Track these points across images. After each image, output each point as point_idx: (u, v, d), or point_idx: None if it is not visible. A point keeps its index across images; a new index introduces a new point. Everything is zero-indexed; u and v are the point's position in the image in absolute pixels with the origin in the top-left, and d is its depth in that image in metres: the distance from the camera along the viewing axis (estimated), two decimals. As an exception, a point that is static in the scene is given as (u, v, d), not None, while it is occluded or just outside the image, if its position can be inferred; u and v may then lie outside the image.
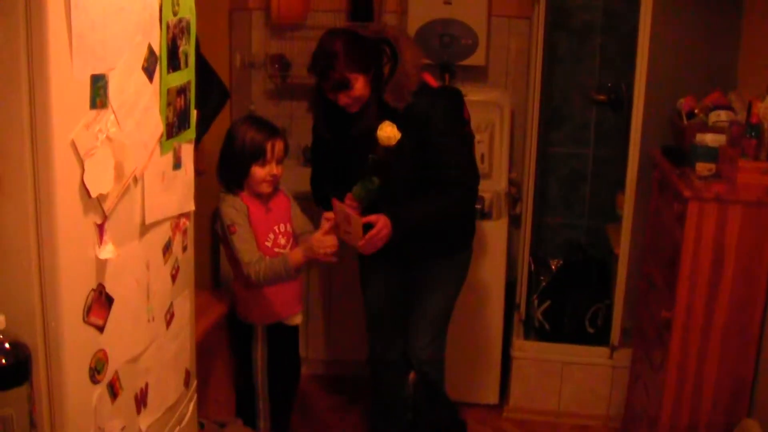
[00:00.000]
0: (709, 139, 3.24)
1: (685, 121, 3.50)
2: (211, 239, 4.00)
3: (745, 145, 3.02)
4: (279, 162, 3.25)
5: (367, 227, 3.06)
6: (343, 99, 3.09)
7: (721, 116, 3.34)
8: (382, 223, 3.06)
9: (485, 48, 4.32)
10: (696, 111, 3.48)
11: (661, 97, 3.78)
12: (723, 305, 3.06)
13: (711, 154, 3.21)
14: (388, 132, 3.08)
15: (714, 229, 3.01)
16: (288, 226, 3.40)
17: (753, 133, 2.98)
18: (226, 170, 3.28)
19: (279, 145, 3.24)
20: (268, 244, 3.30)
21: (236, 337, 3.53)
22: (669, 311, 3.16)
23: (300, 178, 3.92)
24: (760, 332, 3.05)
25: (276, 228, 3.34)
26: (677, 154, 3.45)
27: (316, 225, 3.31)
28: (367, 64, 3.09)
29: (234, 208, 3.22)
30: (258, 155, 3.19)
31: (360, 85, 3.07)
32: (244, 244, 3.19)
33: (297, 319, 3.49)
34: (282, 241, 3.35)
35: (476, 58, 4.31)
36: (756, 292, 3.03)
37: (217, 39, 4.06)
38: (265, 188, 3.25)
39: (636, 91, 3.76)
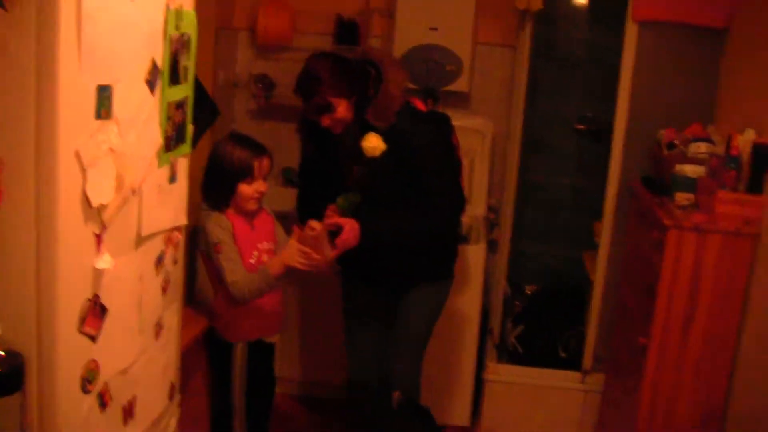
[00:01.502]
0: (689, 170, 3.31)
1: (666, 152, 3.57)
2: (187, 255, 4.00)
3: (725, 176, 3.09)
4: (265, 179, 3.28)
5: (335, 234, 3.10)
6: (325, 121, 3.13)
7: (701, 148, 3.41)
8: (349, 226, 3.10)
9: (469, 74, 4.36)
10: (676, 142, 3.55)
11: (640, 129, 3.86)
12: (698, 333, 3.12)
13: (690, 184, 3.28)
14: (373, 143, 3.13)
15: (692, 257, 3.08)
16: (271, 244, 3.41)
17: (732, 165, 3.05)
18: (212, 188, 3.28)
19: (266, 163, 3.27)
20: (252, 261, 3.31)
21: (215, 355, 3.52)
22: (645, 338, 3.22)
23: (280, 198, 3.95)
24: (733, 361, 3.12)
25: (260, 245, 3.36)
26: (657, 185, 3.53)
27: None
28: (351, 88, 3.12)
29: (220, 226, 3.22)
30: (246, 173, 3.21)
31: (342, 109, 3.11)
32: (229, 263, 3.20)
33: (275, 337, 3.50)
34: (265, 258, 3.36)
35: (460, 84, 4.36)
36: (730, 322, 3.09)
37: (201, 57, 4.07)
38: (252, 205, 3.27)
39: (617, 121, 3.84)
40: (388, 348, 3.53)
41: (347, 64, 3.18)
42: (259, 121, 4.72)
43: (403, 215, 3.23)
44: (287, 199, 4.09)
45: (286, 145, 4.51)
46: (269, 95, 4.61)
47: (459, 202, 3.35)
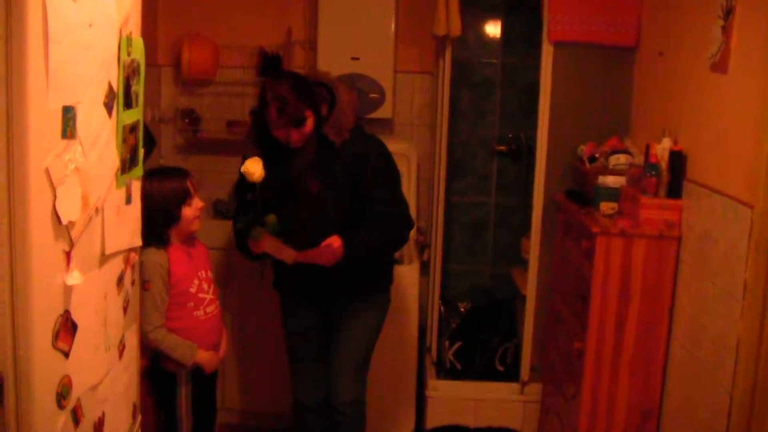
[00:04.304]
0: (611, 180, 3.49)
1: (588, 166, 3.74)
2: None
3: (646, 183, 3.27)
4: (197, 196, 3.36)
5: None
6: (294, 135, 3.24)
7: (621, 159, 3.59)
8: (336, 237, 3.22)
9: (392, 101, 4.50)
10: (597, 156, 3.72)
11: (558, 146, 4.03)
12: (631, 333, 3.28)
13: (613, 194, 3.46)
14: (250, 168, 3.27)
15: (620, 262, 3.24)
16: (209, 272, 3.47)
17: (653, 172, 3.23)
18: (153, 227, 3.25)
19: (192, 181, 3.36)
20: (193, 290, 3.35)
21: (159, 386, 3.52)
22: (580, 342, 3.35)
23: (212, 231, 3.99)
24: (665, 356, 3.27)
25: (199, 274, 3.40)
26: (580, 197, 3.69)
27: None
28: (314, 102, 3.27)
29: (153, 262, 3.24)
30: (184, 197, 3.28)
31: (310, 122, 3.26)
32: (152, 306, 3.22)
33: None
34: (205, 286, 3.41)
35: (384, 111, 4.48)
36: (660, 319, 3.26)
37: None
38: (197, 225, 3.34)
39: (539, 138, 4.00)
40: (331, 366, 3.58)
41: (305, 81, 3.34)
42: (186, 155, 4.75)
43: (372, 229, 3.36)
44: (220, 232, 4.15)
45: (214, 177, 4.59)
46: (196, 129, 4.65)
47: (409, 213, 3.51)
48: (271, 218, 3.31)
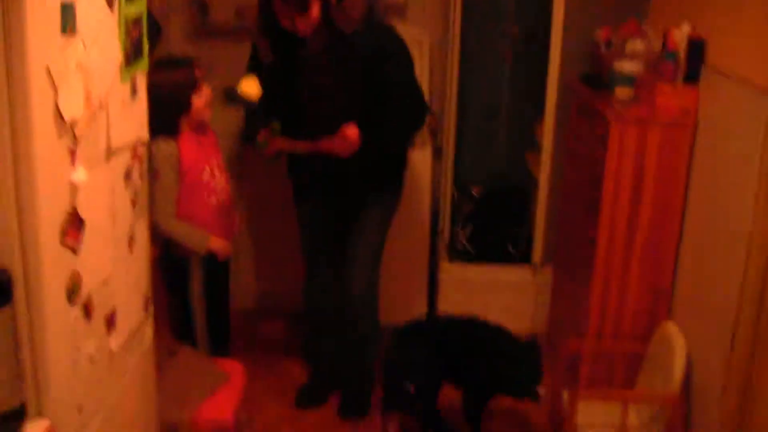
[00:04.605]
0: (627, 65, 3.42)
1: (604, 50, 3.66)
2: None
3: (663, 69, 3.20)
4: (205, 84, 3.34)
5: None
6: (300, 23, 3.16)
7: (638, 44, 3.51)
8: (352, 125, 3.20)
9: (404, -17, 4.38)
10: (613, 40, 3.64)
11: (574, 29, 3.95)
12: (644, 220, 3.27)
13: (629, 79, 3.40)
14: (245, 89, 3.26)
15: (635, 149, 3.21)
16: (220, 158, 3.47)
17: (671, 59, 3.16)
18: (162, 117, 3.21)
19: (201, 69, 3.33)
20: (205, 177, 3.35)
21: (171, 273, 3.56)
22: (593, 228, 3.35)
23: (223, 118, 3.96)
24: (678, 244, 3.27)
25: (210, 161, 3.40)
26: (596, 82, 3.63)
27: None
28: None
29: (163, 153, 3.22)
30: (193, 86, 3.25)
31: (315, 10, 3.14)
32: (162, 196, 3.22)
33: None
34: (217, 173, 3.41)
35: (397, -5, 4.37)
36: (674, 207, 3.25)
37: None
38: (208, 113, 3.32)
39: (554, 21, 3.91)
40: (346, 255, 3.61)
41: None
42: (195, 42, 4.66)
43: (388, 121, 3.32)
44: (230, 118, 4.11)
45: (225, 65, 4.50)
46: (205, 15, 4.55)
47: (424, 99, 3.49)
48: (275, 125, 3.30)
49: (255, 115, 3.40)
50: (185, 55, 3.39)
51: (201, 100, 3.28)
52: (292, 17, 3.15)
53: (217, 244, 3.39)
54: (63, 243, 1.89)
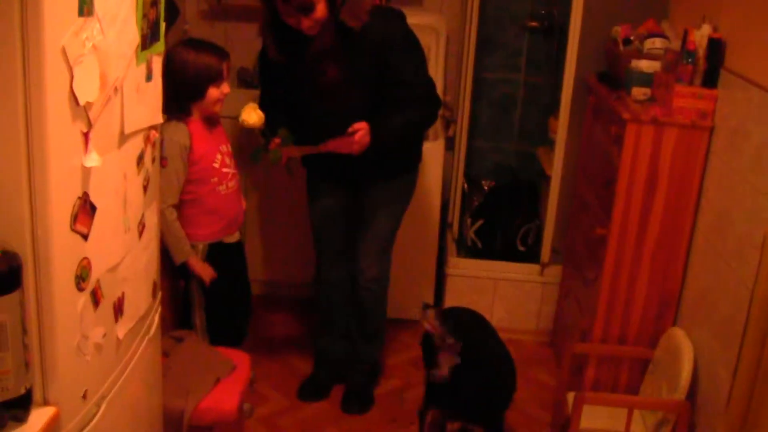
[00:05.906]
0: (645, 65, 3.38)
1: (622, 48, 3.62)
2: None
3: (681, 70, 3.17)
4: (227, 81, 3.30)
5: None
6: (305, 22, 3.10)
7: (656, 43, 3.48)
8: (362, 123, 3.15)
9: (423, -29, 4.35)
10: (632, 38, 3.60)
11: (593, 25, 3.91)
12: (655, 223, 3.24)
13: (646, 79, 3.36)
14: (246, 118, 3.28)
15: (650, 150, 3.17)
16: (229, 146, 3.45)
17: (689, 60, 3.12)
18: (175, 97, 3.17)
19: (229, 64, 3.29)
20: (216, 165, 3.33)
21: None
22: (604, 228, 3.32)
23: (236, 100, 3.93)
24: (688, 248, 3.24)
25: (221, 148, 3.38)
26: (612, 80, 3.60)
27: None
28: None
29: (174, 139, 3.20)
30: (215, 77, 3.22)
31: (321, 8, 3.08)
32: (167, 184, 3.18)
33: (235, 236, 3.54)
34: (227, 160, 3.39)
35: (413, -18, 4.34)
36: (686, 211, 3.21)
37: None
38: (218, 107, 3.29)
39: (572, 16, 3.87)
40: (358, 244, 3.59)
41: None
42: (211, 22, 4.65)
43: (400, 112, 3.28)
44: (243, 101, 4.08)
45: (240, 46, 4.49)
46: (221, -6, 4.54)
47: (436, 92, 3.43)
48: (283, 132, 3.29)
49: (262, 132, 3.38)
50: (219, 46, 3.34)
51: (217, 92, 3.24)
52: (297, 16, 3.11)
53: (197, 264, 3.35)
54: (74, 229, 1.87)
